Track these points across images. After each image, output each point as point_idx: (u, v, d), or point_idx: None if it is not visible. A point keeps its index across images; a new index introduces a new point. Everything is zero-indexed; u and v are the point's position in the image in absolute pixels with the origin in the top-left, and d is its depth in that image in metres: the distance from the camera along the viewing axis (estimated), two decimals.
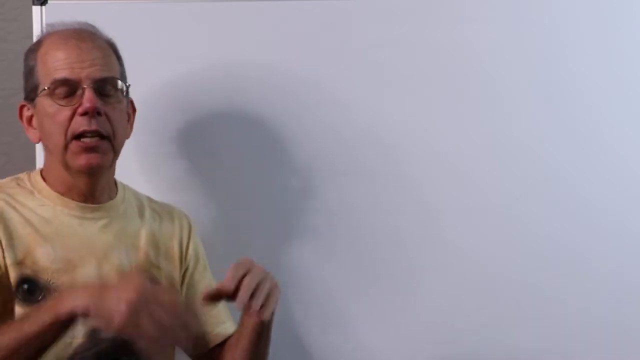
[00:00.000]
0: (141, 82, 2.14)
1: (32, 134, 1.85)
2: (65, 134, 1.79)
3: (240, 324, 1.86)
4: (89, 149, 1.79)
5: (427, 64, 2.19)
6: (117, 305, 1.52)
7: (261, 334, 1.83)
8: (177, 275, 1.91)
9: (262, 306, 1.70)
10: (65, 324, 1.58)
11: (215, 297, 1.70)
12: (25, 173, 1.89)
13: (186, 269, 1.93)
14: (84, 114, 1.78)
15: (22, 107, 1.86)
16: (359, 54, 2.18)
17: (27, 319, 1.62)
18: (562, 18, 2.19)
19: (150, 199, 1.97)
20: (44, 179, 1.86)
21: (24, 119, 1.86)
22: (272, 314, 1.77)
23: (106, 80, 1.81)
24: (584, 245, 2.18)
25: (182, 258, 1.93)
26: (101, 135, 1.79)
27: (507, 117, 2.19)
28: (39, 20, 2.13)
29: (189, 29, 2.17)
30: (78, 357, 1.76)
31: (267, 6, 2.18)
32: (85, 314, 1.55)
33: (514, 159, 2.19)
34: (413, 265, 2.19)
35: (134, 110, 1.93)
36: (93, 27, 1.88)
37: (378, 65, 2.18)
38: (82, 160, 1.79)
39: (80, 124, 1.78)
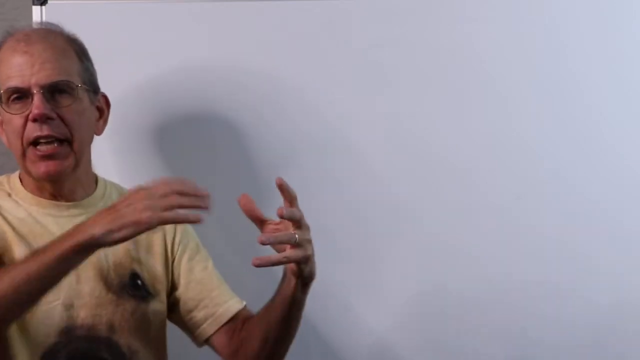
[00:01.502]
0: (141, 82, 2.15)
1: (4, 138, 1.86)
2: (21, 141, 1.80)
3: (276, 293, 1.80)
4: (46, 157, 1.79)
5: (427, 64, 2.19)
6: (134, 210, 1.60)
7: (296, 303, 1.78)
8: (159, 268, 1.89)
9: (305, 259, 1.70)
10: (83, 251, 1.62)
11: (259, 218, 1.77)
12: (5, 175, 1.90)
13: (174, 259, 1.91)
14: (34, 120, 1.78)
15: None
16: (359, 54, 2.18)
17: (42, 250, 1.64)
18: (562, 18, 2.19)
19: None
20: (21, 180, 1.87)
21: None
22: (312, 279, 1.75)
23: (56, 84, 1.80)
24: (584, 245, 2.18)
25: (168, 250, 1.91)
26: (58, 139, 1.79)
27: (507, 117, 2.19)
28: (39, 20, 2.13)
29: (189, 29, 2.17)
30: (52, 356, 1.76)
31: (267, 6, 2.18)
32: (106, 237, 1.60)
33: (514, 159, 2.19)
34: (412, 265, 2.19)
35: (108, 104, 1.91)
36: (53, 25, 1.87)
37: (378, 65, 2.18)
38: (40, 168, 1.80)
39: (33, 130, 1.78)
